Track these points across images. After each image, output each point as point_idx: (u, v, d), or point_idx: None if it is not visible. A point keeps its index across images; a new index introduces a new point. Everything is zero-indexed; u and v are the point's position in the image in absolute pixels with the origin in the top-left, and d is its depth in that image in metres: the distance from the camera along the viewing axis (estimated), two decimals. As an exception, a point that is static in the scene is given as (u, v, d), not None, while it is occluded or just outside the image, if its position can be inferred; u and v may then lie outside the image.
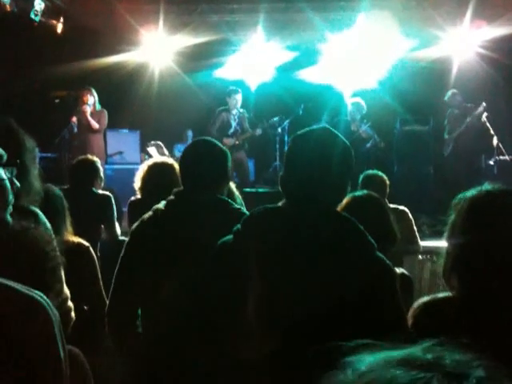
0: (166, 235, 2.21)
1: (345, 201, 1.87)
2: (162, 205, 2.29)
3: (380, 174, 4.19)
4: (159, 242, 2.22)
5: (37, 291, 1.16)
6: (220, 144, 2.45)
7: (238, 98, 8.21)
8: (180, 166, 2.41)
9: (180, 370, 2.04)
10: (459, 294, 1.55)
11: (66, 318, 1.45)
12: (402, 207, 4.36)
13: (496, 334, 1.37)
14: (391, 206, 4.15)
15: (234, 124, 8.27)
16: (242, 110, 8.36)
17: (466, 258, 1.54)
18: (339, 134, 1.73)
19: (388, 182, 4.17)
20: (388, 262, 1.64)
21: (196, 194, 2.28)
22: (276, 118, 8.67)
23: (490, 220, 1.55)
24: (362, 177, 4.05)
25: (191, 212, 2.23)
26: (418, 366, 0.57)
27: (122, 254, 2.33)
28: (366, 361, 0.60)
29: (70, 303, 1.49)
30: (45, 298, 1.16)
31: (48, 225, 1.75)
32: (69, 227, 2.62)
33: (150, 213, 2.31)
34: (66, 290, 1.47)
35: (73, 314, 1.50)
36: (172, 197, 2.30)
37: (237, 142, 8.15)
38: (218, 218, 2.05)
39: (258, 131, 8.39)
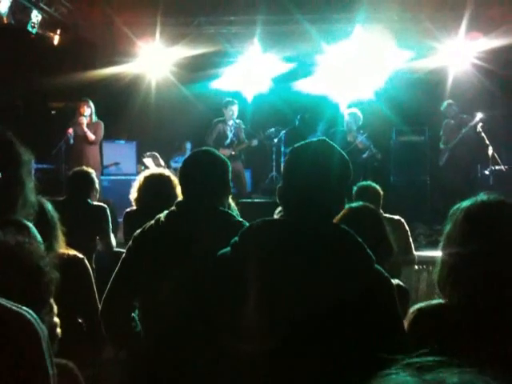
0: (166, 245, 2.21)
1: (341, 212, 1.87)
2: (163, 215, 2.28)
3: (373, 184, 4.19)
4: (159, 250, 2.22)
5: (25, 307, 1.14)
6: (221, 154, 2.45)
7: (235, 109, 8.24)
8: (180, 176, 2.40)
9: (180, 370, 2.03)
10: (452, 302, 1.56)
11: (52, 334, 1.43)
12: (397, 217, 4.35)
13: (490, 342, 1.37)
14: (386, 215, 4.15)
15: (230, 135, 8.29)
16: (238, 121, 8.39)
17: (461, 268, 1.55)
18: (336, 146, 1.73)
19: (382, 193, 4.17)
20: (386, 274, 1.64)
21: (197, 205, 2.27)
22: (272, 129, 8.70)
23: (485, 230, 1.57)
24: (355, 188, 4.05)
25: (192, 223, 2.22)
26: None
27: (122, 258, 2.32)
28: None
29: (56, 319, 1.47)
30: (33, 314, 1.14)
31: (39, 238, 1.74)
32: (61, 240, 2.60)
33: (152, 222, 2.30)
34: (54, 306, 1.46)
35: (59, 330, 1.48)
36: (174, 208, 2.30)
37: (233, 153, 8.16)
38: (218, 230, 2.04)
39: (255, 142, 8.42)
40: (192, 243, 2.13)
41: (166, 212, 2.29)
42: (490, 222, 1.57)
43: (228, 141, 8.29)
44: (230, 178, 2.37)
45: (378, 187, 4.17)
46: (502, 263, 1.51)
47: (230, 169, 2.39)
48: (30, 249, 1.38)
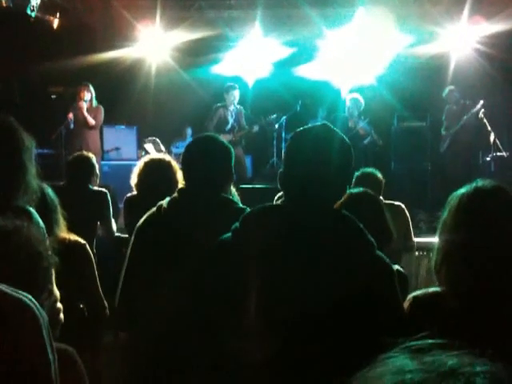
0: (168, 233, 2.20)
1: (342, 198, 1.86)
2: (165, 202, 2.27)
3: (374, 171, 4.18)
4: (162, 239, 2.21)
5: (24, 293, 1.13)
6: (224, 141, 2.42)
7: (236, 94, 8.19)
8: (183, 163, 2.38)
9: (179, 368, 2.03)
10: (447, 289, 1.57)
11: (55, 319, 1.43)
12: (397, 203, 4.35)
13: (486, 329, 1.38)
14: (386, 202, 4.15)
15: (231, 120, 8.25)
16: (239, 107, 8.34)
17: (455, 255, 1.57)
18: (338, 131, 1.72)
19: (383, 180, 4.16)
20: (387, 260, 1.64)
21: (200, 192, 2.25)
22: (274, 116, 8.65)
23: (479, 216, 1.57)
24: (356, 175, 4.05)
25: (194, 211, 2.21)
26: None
27: (128, 253, 2.32)
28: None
29: (59, 305, 1.47)
30: (32, 299, 1.14)
31: (41, 224, 1.74)
32: (62, 225, 2.60)
33: (154, 210, 2.29)
34: (57, 292, 1.46)
35: (62, 315, 1.48)
36: (176, 194, 2.28)
37: (233, 139, 8.13)
38: (221, 218, 2.03)
39: (256, 128, 8.38)
40: (195, 231, 2.12)
41: (167, 199, 2.27)
42: (484, 208, 1.57)
43: (229, 126, 8.24)
44: (233, 164, 2.35)
45: (378, 174, 4.16)
46: (496, 249, 1.51)
47: (234, 155, 2.37)
48: (29, 233, 1.37)
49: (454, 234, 1.58)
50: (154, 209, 2.28)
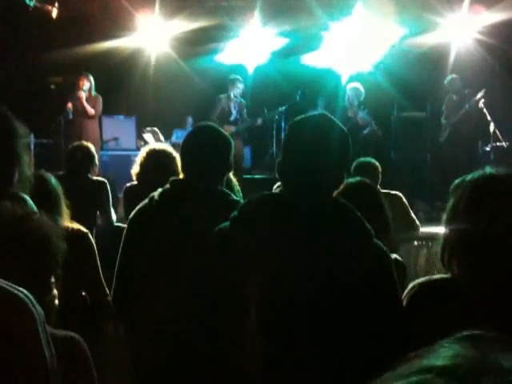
0: (160, 225, 2.21)
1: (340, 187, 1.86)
2: (157, 194, 2.27)
3: (373, 161, 4.20)
4: (154, 231, 2.22)
5: (21, 288, 1.13)
6: (223, 131, 2.41)
7: (242, 87, 8.19)
8: (181, 153, 2.38)
9: (180, 365, 2.04)
10: (460, 277, 1.53)
11: (52, 305, 1.45)
12: (394, 192, 4.36)
13: (500, 315, 1.36)
14: (383, 191, 4.16)
15: (234, 112, 8.23)
16: (240, 98, 8.32)
17: (468, 241, 1.52)
18: (336, 120, 1.72)
19: (380, 169, 4.18)
20: (385, 248, 1.64)
21: (193, 183, 2.25)
22: (277, 110, 8.61)
23: (494, 203, 1.52)
24: (354, 164, 4.06)
25: (185, 202, 2.21)
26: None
27: (121, 245, 2.33)
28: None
29: (54, 290, 1.49)
30: (28, 295, 1.13)
31: (36, 210, 1.75)
32: (65, 213, 2.61)
33: (146, 201, 2.29)
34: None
35: (56, 301, 1.50)
36: (168, 185, 2.28)
37: (237, 130, 8.10)
38: (213, 209, 2.03)
39: (259, 121, 8.38)
40: (186, 223, 2.12)
41: (159, 190, 2.27)
42: (499, 194, 1.53)
43: (232, 117, 8.22)
44: (232, 155, 2.34)
45: (376, 163, 4.17)
46: (510, 236, 1.49)
47: (233, 146, 2.37)
48: (39, 219, 1.39)
49: (467, 219, 1.51)
50: (146, 201, 2.29)
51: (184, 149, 2.34)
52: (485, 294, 1.45)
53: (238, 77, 8.26)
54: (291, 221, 1.60)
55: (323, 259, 1.55)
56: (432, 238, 5.16)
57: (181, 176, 2.36)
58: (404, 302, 1.62)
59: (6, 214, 1.35)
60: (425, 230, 5.26)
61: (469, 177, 1.60)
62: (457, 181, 1.65)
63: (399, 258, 2.76)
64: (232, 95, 8.15)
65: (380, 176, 4.17)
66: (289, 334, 1.54)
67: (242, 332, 1.56)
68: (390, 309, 1.58)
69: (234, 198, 2.27)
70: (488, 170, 1.58)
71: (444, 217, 1.62)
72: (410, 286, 1.66)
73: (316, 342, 1.53)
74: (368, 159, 4.26)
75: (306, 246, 1.56)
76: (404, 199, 4.36)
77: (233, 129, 7.99)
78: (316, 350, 1.53)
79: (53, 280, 1.45)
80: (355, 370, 1.49)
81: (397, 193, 4.36)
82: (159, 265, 2.18)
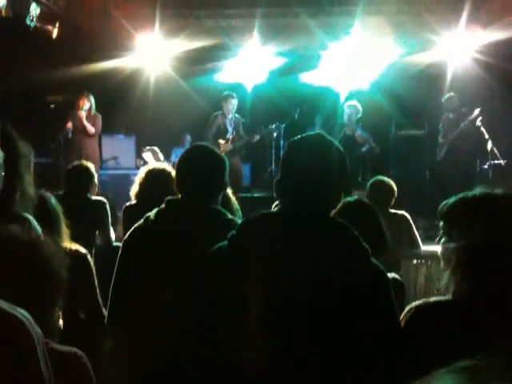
0: (154, 244, 2.21)
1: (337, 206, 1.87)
2: (152, 213, 2.28)
3: (390, 181, 4.41)
4: (149, 251, 2.22)
5: (19, 309, 1.13)
6: (218, 150, 2.43)
7: (235, 102, 8.19)
8: (176, 173, 2.39)
9: (178, 372, 2.03)
10: (461, 296, 1.52)
11: (56, 325, 1.46)
12: (401, 212, 4.42)
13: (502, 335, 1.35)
14: (391, 211, 4.24)
15: (230, 129, 8.25)
16: (236, 115, 8.35)
17: (466, 262, 1.52)
18: (334, 140, 1.74)
19: (396, 190, 4.34)
20: (382, 267, 1.64)
21: (188, 203, 2.26)
22: (273, 126, 8.65)
23: (490, 222, 1.53)
24: (371, 181, 4.23)
25: (180, 222, 2.22)
26: None
27: (116, 265, 2.33)
28: None
29: (59, 312, 1.49)
30: (26, 315, 1.13)
31: (39, 231, 1.75)
32: (65, 234, 2.61)
33: (141, 221, 2.30)
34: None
35: (61, 322, 1.50)
36: (163, 205, 2.29)
37: (234, 148, 8.11)
38: (208, 228, 2.03)
39: (256, 137, 8.36)
40: (182, 243, 2.13)
41: (154, 210, 2.28)
42: (499, 213, 1.54)
43: (228, 135, 8.24)
44: (226, 175, 2.36)
45: (392, 183, 4.36)
46: (508, 255, 1.48)
47: (227, 165, 2.38)
48: (48, 244, 1.41)
49: (464, 239, 1.53)
50: (141, 221, 2.30)
51: (178, 169, 2.36)
52: (483, 311, 1.45)
53: (231, 93, 8.27)
54: (289, 240, 1.61)
55: (320, 278, 1.55)
56: (431, 256, 5.16)
57: (171, 197, 2.37)
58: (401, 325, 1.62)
59: (15, 238, 1.36)
60: (424, 248, 5.26)
61: (467, 194, 1.61)
62: (444, 202, 1.66)
63: (397, 276, 2.76)
64: (227, 112, 8.17)
65: (395, 196, 4.31)
66: (287, 352, 1.54)
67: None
68: (386, 327, 1.58)
69: (229, 216, 2.28)
70: (481, 189, 1.60)
71: (439, 236, 1.63)
72: (407, 308, 1.66)
73: (316, 363, 1.53)
74: (386, 178, 4.44)
75: (304, 264, 1.57)
76: (410, 220, 4.43)
77: (230, 146, 8.00)
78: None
79: (53, 308, 1.46)
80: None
81: (403, 213, 4.44)
82: (154, 284, 2.17)
